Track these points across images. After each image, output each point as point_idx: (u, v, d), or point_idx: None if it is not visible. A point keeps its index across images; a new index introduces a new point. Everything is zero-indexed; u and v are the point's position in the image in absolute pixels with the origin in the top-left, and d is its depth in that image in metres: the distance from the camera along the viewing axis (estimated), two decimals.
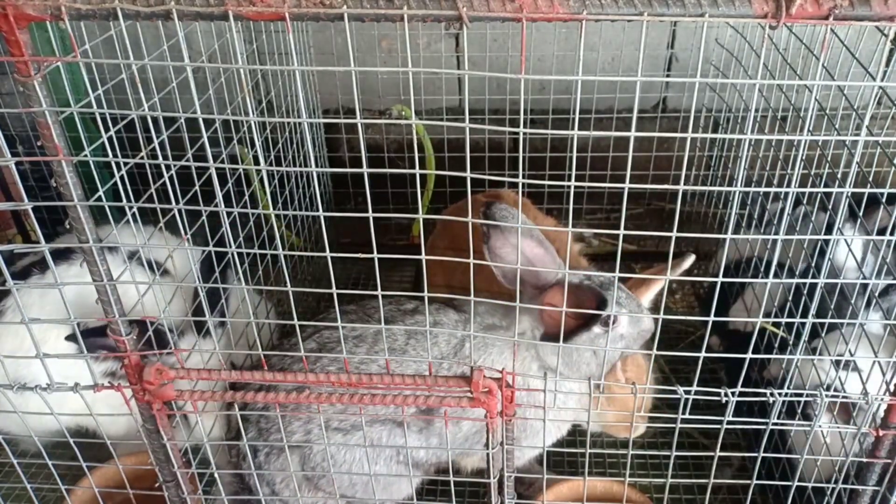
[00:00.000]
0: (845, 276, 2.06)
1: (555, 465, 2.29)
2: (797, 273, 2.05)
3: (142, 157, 1.40)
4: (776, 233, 2.05)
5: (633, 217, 3.48)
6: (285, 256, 2.53)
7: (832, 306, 1.92)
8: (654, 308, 2.02)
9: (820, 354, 1.83)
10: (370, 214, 1.32)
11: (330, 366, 1.78)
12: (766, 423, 1.55)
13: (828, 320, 1.88)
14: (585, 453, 1.65)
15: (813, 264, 2.07)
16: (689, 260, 1.94)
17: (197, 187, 2.06)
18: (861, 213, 1.90)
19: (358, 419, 1.76)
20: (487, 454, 1.62)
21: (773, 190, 2.27)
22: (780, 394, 1.51)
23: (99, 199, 1.37)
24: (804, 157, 1.41)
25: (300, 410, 1.80)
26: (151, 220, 1.62)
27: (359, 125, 1.20)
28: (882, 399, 1.48)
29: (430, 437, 1.85)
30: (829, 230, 2.06)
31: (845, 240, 2.10)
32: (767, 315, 2.11)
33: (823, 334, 1.86)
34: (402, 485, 1.91)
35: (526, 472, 2.04)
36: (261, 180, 2.59)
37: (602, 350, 1.72)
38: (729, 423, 1.52)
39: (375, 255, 1.36)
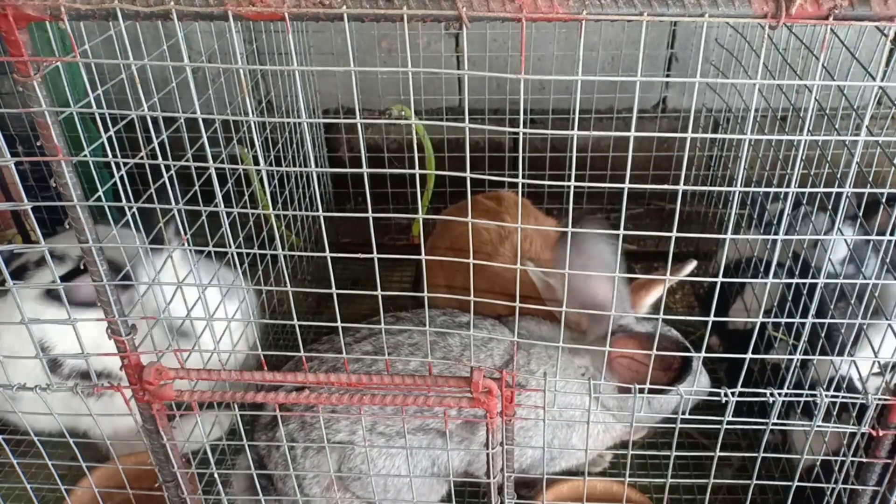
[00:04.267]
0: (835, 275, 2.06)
1: None
2: (797, 273, 2.04)
3: (142, 157, 1.40)
4: (776, 233, 2.05)
5: (633, 217, 3.48)
6: (285, 256, 2.55)
7: (832, 306, 1.92)
8: (655, 308, 2.02)
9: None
10: (370, 214, 1.32)
11: (384, 370, 1.78)
12: (766, 423, 1.55)
13: (827, 320, 1.88)
14: (585, 453, 1.65)
15: (813, 264, 2.07)
16: (690, 266, 1.94)
17: (197, 187, 2.06)
18: (861, 214, 1.90)
19: (405, 426, 1.76)
20: (487, 454, 1.61)
21: (773, 190, 2.27)
22: (780, 394, 1.51)
23: (99, 199, 1.37)
24: (804, 157, 1.41)
25: (350, 410, 1.79)
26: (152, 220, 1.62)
27: (359, 125, 1.20)
28: (881, 399, 1.48)
29: (471, 448, 1.86)
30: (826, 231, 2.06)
31: (845, 240, 2.10)
32: (767, 314, 2.11)
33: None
34: (432, 494, 1.93)
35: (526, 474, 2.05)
36: (261, 180, 2.59)
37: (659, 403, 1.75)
38: (729, 423, 1.52)
39: (375, 255, 1.36)
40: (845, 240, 2.09)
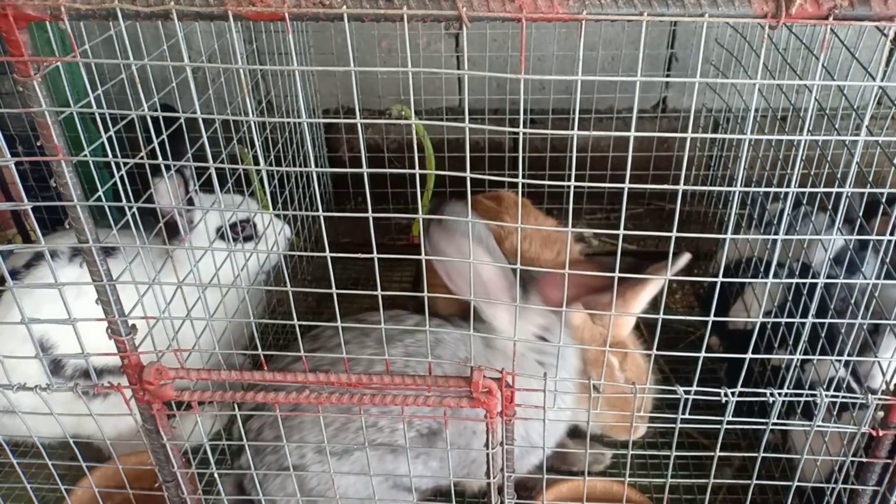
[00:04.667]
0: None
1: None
2: (796, 273, 2.05)
3: (142, 157, 1.40)
4: (776, 233, 2.05)
5: (633, 217, 3.48)
6: (285, 256, 2.55)
7: (832, 306, 1.92)
8: (654, 308, 2.02)
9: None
10: (370, 214, 1.32)
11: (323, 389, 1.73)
12: (766, 423, 1.55)
13: (827, 320, 1.88)
14: (585, 453, 1.65)
15: (812, 265, 2.06)
16: (684, 259, 1.94)
17: (196, 187, 2.06)
18: (861, 214, 1.90)
19: (350, 443, 1.72)
20: (487, 454, 1.61)
21: (773, 190, 2.27)
22: (780, 394, 1.51)
23: (99, 199, 1.37)
24: (804, 157, 1.41)
25: (292, 433, 1.75)
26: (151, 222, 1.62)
27: (359, 125, 1.20)
28: (881, 399, 1.48)
29: (429, 462, 1.81)
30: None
31: (845, 240, 2.10)
32: (767, 315, 2.11)
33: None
34: None
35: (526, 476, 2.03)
36: (261, 180, 2.59)
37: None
38: (729, 423, 1.52)
39: (375, 255, 1.36)
40: (845, 240, 2.09)
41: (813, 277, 1.81)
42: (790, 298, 2.05)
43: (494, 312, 1.80)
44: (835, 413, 1.77)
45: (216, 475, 1.77)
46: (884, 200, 1.81)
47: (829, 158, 1.95)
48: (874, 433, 1.53)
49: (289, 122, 2.85)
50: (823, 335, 1.89)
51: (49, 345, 2.01)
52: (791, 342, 1.99)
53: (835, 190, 1.38)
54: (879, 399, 1.49)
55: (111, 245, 1.43)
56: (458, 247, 1.64)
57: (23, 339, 2.04)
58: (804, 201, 2.29)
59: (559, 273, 1.59)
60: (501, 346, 1.84)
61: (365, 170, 1.27)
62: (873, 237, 1.73)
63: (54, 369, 2.03)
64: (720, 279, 1.38)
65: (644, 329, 2.45)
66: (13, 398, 1.63)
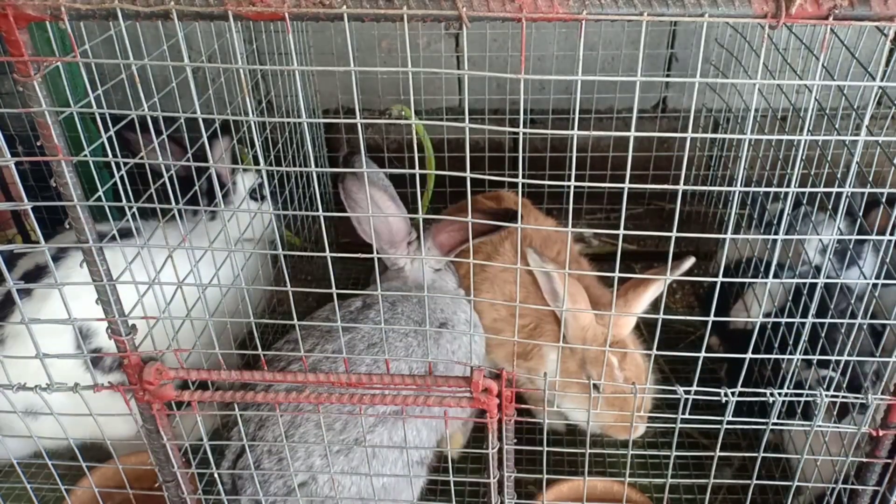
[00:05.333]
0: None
1: (555, 465, 2.29)
2: (796, 274, 2.04)
3: (142, 157, 1.40)
4: (776, 233, 2.05)
5: (633, 217, 3.48)
6: (285, 256, 2.55)
7: (832, 306, 1.92)
8: (654, 308, 2.02)
9: None
10: (370, 214, 1.32)
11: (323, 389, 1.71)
12: (766, 423, 1.55)
13: (828, 320, 1.88)
14: (585, 453, 1.65)
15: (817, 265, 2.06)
16: (688, 262, 1.94)
17: (197, 187, 2.06)
18: (861, 213, 1.90)
19: (359, 434, 1.71)
20: (488, 454, 1.62)
21: (773, 190, 2.27)
22: (779, 394, 1.51)
23: (99, 199, 1.37)
24: (804, 157, 1.41)
25: (296, 451, 1.71)
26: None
27: (359, 125, 1.20)
28: (881, 399, 1.48)
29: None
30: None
31: (847, 241, 2.10)
32: (767, 315, 2.11)
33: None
34: (413, 487, 1.88)
35: None
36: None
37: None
38: (729, 423, 1.52)
39: (375, 255, 1.36)
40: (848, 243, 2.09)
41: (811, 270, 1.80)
42: (790, 299, 2.05)
43: (397, 253, 2.02)
44: (835, 413, 1.77)
45: (216, 476, 1.77)
46: (884, 200, 1.82)
47: (829, 158, 1.95)
48: (874, 433, 1.53)
49: (289, 122, 2.85)
50: (823, 335, 1.89)
51: (88, 334, 2.02)
52: (791, 342, 1.99)
53: (835, 190, 1.38)
54: (880, 399, 1.49)
55: (110, 245, 1.43)
56: (369, 193, 1.82)
57: (58, 333, 2.01)
58: (804, 201, 2.29)
59: (448, 221, 1.98)
60: (439, 287, 2.12)
61: (364, 169, 1.28)
62: (872, 237, 1.73)
63: (94, 361, 2.04)
64: (720, 279, 1.38)
65: (644, 329, 2.45)
66: (45, 398, 1.61)
